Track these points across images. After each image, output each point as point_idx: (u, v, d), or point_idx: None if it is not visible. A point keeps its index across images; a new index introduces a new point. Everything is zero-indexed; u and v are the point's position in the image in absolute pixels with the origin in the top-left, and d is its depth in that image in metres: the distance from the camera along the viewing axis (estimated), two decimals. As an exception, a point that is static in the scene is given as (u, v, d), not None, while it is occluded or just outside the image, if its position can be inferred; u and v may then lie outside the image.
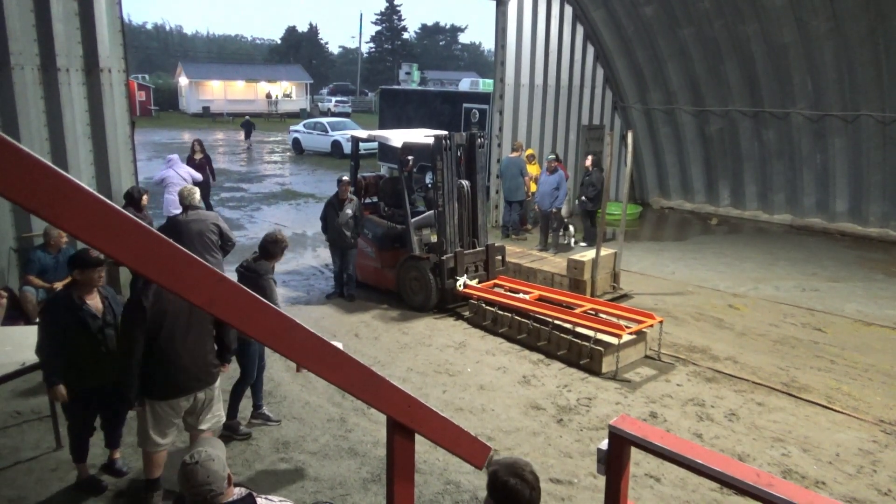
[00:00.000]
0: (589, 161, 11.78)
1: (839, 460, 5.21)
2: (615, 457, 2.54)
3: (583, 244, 11.55)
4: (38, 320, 6.36)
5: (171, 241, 1.56)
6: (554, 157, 11.87)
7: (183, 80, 47.86)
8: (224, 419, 4.54)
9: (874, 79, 12.06)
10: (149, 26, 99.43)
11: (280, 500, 2.81)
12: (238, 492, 2.70)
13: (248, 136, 29.51)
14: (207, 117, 42.53)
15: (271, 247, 5.26)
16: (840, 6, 11.65)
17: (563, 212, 12.94)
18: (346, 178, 8.72)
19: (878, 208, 13.01)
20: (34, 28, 7.55)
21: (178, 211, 10.01)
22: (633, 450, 2.56)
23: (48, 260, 6.76)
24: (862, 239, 13.06)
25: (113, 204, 1.50)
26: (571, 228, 12.24)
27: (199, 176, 11.05)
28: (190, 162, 12.09)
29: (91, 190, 1.46)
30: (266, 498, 2.78)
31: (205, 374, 4.23)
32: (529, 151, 12.97)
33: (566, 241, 12.05)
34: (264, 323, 1.77)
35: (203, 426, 4.36)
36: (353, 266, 8.83)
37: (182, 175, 10.42)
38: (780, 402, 6.16)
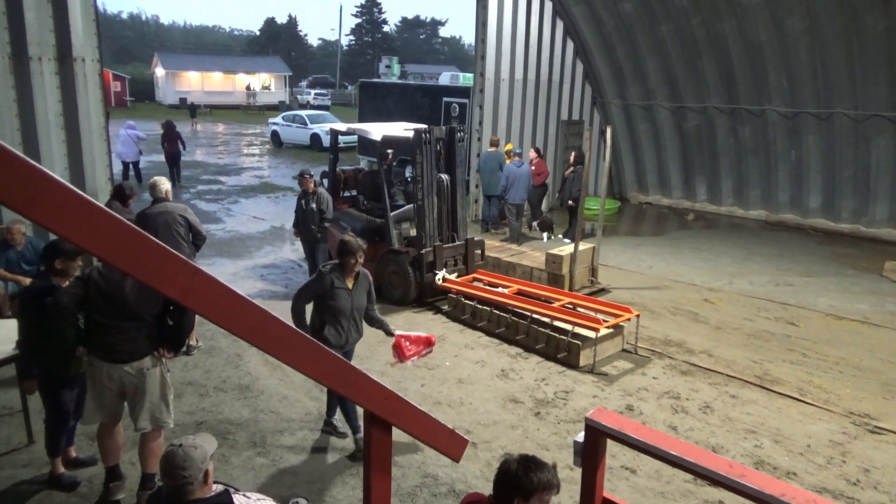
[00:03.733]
0: (572, 157, 11.89)
1: (810, 451, 5.31)
2: (591, 449, 2.57)
3: (566, 240, 11.62)
4: (10, 313, 6.29)
5: (145, 232, 1.54)
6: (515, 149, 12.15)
7: (159, 71, 47.13)
8: (168, 426, 4.36)
9: (847, 77, 12.26)
10: (124, 16, 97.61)
11: (258, 498, 2.79)
12: (216, 488, 2.68)
13: (192, 115, 34.62)
14: (184, 108, 41.95)
15: (338, 255, 4.94)
16: (815, 5, 11.82)
17: (543, 206, 13.04)
18: (306, 170, 8.64)
19: (849, 204, 13.26)
20: (5, 16, 7.40)
21: (124, 157, 14.84)
22: (610, 442, 2.59)
23: (11, 254, 6.66)
24: (834, 235, 13.31)
25: (86, 196, 1.47)
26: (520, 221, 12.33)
27: (143, 135, 16.04)
28: (167, 140, 16.23)
29: (64, 181, 1.43)
30: (243, 494, 2.77)
31: (134, 349, 4.09)
32: (509, 146, 13.02)
33: (544, 236, 12.14)
34: (240, 316, 1.76)
35: (142, 423, 4.24)
36: (322, 261, 8.71)
37: (130, 136, 15.32)
38: (753, 395, 6.27)
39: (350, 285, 4.94)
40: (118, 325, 4.03)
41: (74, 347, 4.15)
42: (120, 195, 7.27)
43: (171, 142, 16.29)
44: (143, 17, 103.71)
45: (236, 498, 2.67)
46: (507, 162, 11.76)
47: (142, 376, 4.14)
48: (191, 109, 36.21)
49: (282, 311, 7.11)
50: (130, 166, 15.65)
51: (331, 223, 8.59)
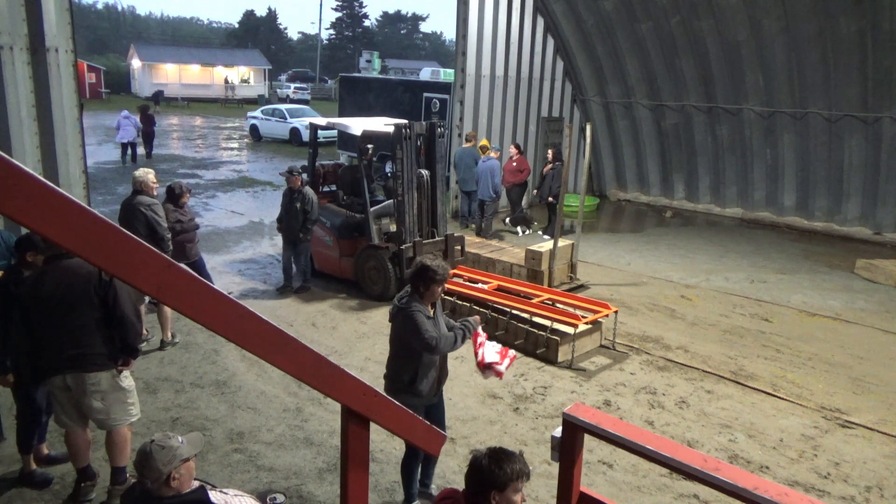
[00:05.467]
0: (550, 154, 11.97)
1: (783, 445, 5.41)
2: (569, 444, 2.58)
3: (545, 236, 11.69)
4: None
5: (116, 225, 1.52)
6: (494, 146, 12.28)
7: (135, 63, 46.38)
8: (122, 422, 4.24)
9: (822, 77, 12.46)
10: (99, 6, 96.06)
11: (235, 494, 2.78)
12: (192, 485, 2.67)
13: (156, 102, 35.68)
14: (161, 101, 41.47)
15: (415, 280, 4.13)
16: (791, 6, 11.99)
17: (524, 202, 13.11)
18: (294, 168, 8.43)
19: (823, 203, 13.48)
20: (-26, 3, 7.22)
21: (124, 140, 18.55)
22: (587, 437, 2.61)
23: None
24: (808, 233, 13.53)
25: (57, 188, 1.45)
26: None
27: (138, 122, 18.93)
28: (143, 121, 19.28)
29: (35, 174, 1.40)
30: (220, 490, 2.75)
31: (80, 359, 3.99)
32: (483, 143, 13.04)
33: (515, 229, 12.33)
34: (215, 311, 1.74)
35: (94, 421, 4.20)
36: (303, 260, 8.55)
37: (131, 121, 18.58)
38: (728, 390, 6.36)
39: (432, 314, 4.20)
40: (61, 325, 3.95)
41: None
42: (171, 196, 7.10)
43: (147, 123, 19.58)
44: (119, 8, 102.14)
45: (213, 494, 2.65)
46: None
47: (82, 388, 4.05)
48: (154, 97, 37.64)
49: (261, 307, 7.05)
50: (129, 147, 18.78)
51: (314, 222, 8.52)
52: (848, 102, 12.36)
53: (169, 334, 6.74)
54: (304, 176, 8.54)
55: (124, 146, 18.77)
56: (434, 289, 4.09)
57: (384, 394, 4.09)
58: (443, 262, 4.15)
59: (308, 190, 8.40)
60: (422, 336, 3.99)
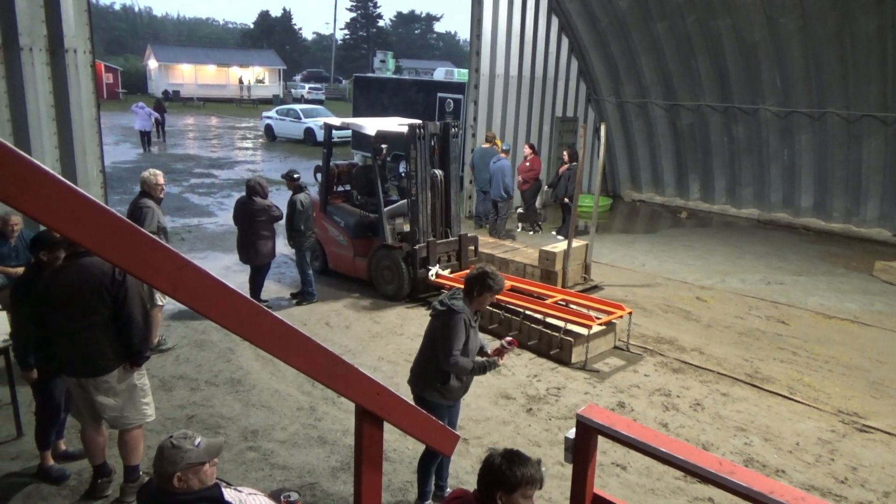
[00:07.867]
0: (566, 155, 11.95)
1: (799, 449, 5.35)
2: (582, 445, 2.57)
3: (559, 237, 11.66)
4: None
5: (134, 224, 1.53)
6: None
7: (152, 63, 46.84)
8: (135, 422, 4.25)
9: (840, 77, 12.32)
10: (116, 7, 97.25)
11: (249, 492, 2.78)
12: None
13: (167, 99, 37.99)
14: (177, 101, 41.90)
15: (472, 283, 4.12)
16: (809, 5, 11.86)
17: (537, 203, 13.09)
18: (293, 172, 8.21)
19: (840, 204, 13.33)
20: (-5, 5, 7.31)
21: (143, 129, 21.83)
22: (601, 439, 2.60)
23: (4, 247, 6.56)
24: (825, 234, 13.38)
25: (75, 187, 1.46)
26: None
27: (156, 114, 23.24)
28: (156, 110, 23.75)
29: (54, 173, 1.42)
30: (235, 488, 2.76)
31: (90, 363, 4.02)
32: (497, 142, 13.03)
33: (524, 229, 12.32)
34: (230, 309, 1.75)
35: (107, 420, 4.22)
36: (305, 268, 8.17)
37: (146, 111, 21.82)
38: (743, 393, 6.30)
39: (475, 322, 4.21)
40: (72, 322, 3.97)
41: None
42: (255, 193, 7.68)
43: (160, 112, 24.05)
44: (136, 9, 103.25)
45: (227, 492, 2.66)
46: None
47: (94, 387, 4.08)
48: (164, 95, 39.42)
49: (273, 306, 7.02)
50: (147, 136, 21.73)
51: (325, 219, 8.51)
52: (867, 102, 12.21)
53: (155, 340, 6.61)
54: (317, 179, 8.34)
55: (141, 134, 21.79)
56: (487, 296, 4.13)
57: (407, 388, 4.24)
58: (501, 276, 4.18)
59: (299, 196, 8.00)
60: (447, 349, 4.01)
